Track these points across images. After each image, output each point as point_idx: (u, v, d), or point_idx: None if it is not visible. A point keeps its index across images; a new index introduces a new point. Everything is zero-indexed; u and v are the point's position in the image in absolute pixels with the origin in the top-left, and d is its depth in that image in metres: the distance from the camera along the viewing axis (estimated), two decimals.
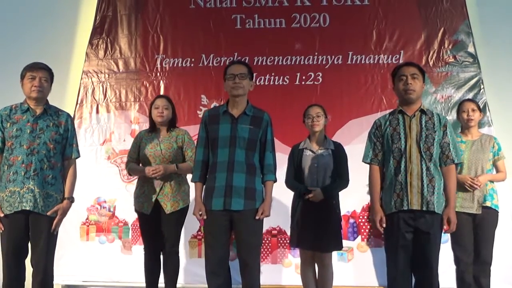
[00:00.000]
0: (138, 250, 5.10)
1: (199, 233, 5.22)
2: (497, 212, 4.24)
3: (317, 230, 3.98)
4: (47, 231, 3.47)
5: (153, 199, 4.09)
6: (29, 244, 3.53)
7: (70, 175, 3.65)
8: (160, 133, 4.27)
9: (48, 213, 3.47)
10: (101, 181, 5.37)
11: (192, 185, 3.77)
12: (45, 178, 3.48)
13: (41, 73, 3.53)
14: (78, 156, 3.74)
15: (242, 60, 5.09)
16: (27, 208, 3.40)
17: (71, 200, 3.65)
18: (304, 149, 4.20)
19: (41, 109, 3.56)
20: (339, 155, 4.15)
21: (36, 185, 3.43)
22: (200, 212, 3.49)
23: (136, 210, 4.23)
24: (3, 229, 3.44)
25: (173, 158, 4.17)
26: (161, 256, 4.22)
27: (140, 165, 4.26)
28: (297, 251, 4.95)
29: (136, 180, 5.05)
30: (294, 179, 4.17)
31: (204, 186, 3.57)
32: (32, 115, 3.52)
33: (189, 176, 3.90)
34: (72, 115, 5.24)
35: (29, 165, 3.44)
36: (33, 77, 3.51)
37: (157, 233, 4.13)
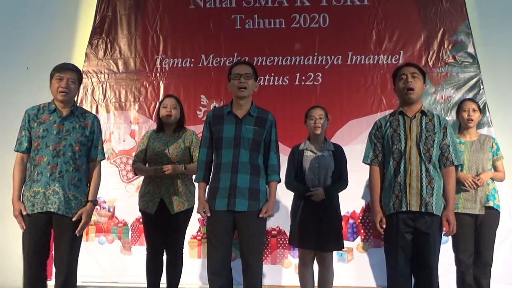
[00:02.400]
0: (138, 251, 5.11)
1: (199, 233, 5.23)
2: (499, 212, 4.24)
3: (318, 230, 3.99)
4: (70, 233, 3.45)
5: (159, 199, 4.08)
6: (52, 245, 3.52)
7: (94, 177, 3.62)
8: (167, 133, 4.26)
9: (74, 219, 3.44)
10: (100, 182, 5.36)
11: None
12: (70, 180, 3.46)
13: (68, 74, 3.50)
14: (103, 158, 3.71)
15: (243, 60, 5.09)
16: (52, 210, 3.39)
17: (95, 203, 3.62)
18: (305, 150, 4.21)
19: (68, 111, 3.53)
20: (339, 157, 4.17)
21: (61, 187, 3.41)
22: (204, 210, 3.48)
23: (140, 209, 4.21)
24: (24, 228, 3.42)
25: (181, 158, 4.16)
26: (164, 256, 4.22)
27: (147, 165, 4.26)
28: (296, 252, 4.96)
29: (136, 180, 5.05)
30: (295, 179, 4.17)
31: (207, 186, 3.57)
32: (59, 116, 3.50)
33: (193, 177, 3.90)
34: None
35: (55, 167, 3.42)
36: (60, 78, 3.48)
37: (160, 233, 4.12)
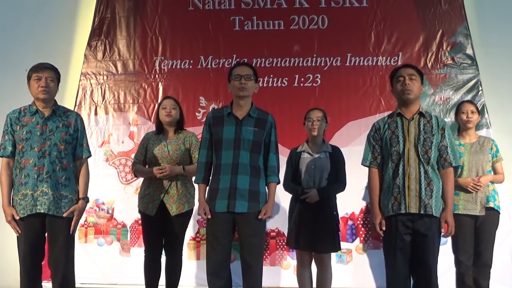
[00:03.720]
0: (137, 252, 5.10)
1: (198, 235, 5.23)
2: (499, 213, 4.24)
3: (314, 231, 4.00)
4: (64, 232, 3.45)
5: (159, 201, 4.07)
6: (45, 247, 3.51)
7: (83, 175, 3.62)
8: (167, 135, 4.25)
9: (64, 215, 3.44)
10: (99, 183, 5.35)
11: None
12: (58, 180, 3.46)
13: (46, 73, 3.49)
14: (89, 156, 3.71)
15: (243, 61, 5.09)
16: (42, 211, 3.38)
17: (86, 200, 3.62)
18: (302, 152, 4.22)
19: (50, 111, 3.53)
20: (336, 158, 4.17)
21: (50, 188, 3.41)
22: (204, 212, 3.47)
23: (140, 211, 4.20)
24: (20, 232, 3.41)
25: (181, 159, 4.15)
26: (162, 258, 4.21)
27: (147, 166, 4.25)
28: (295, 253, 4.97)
29: (135, 182, 5.03)
30: (292, 181, 4.18)
31: (207, 188, 3.57)
32: (41, 117, 3.49)
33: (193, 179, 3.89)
34: None
35: (42, 168, 3.41)
36: (39, 77, 3.47)
37: (160, 234, 4.12)
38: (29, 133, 3.45)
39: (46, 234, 3.50)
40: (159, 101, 5.03)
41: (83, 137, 3.67)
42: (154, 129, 4.44)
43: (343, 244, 4.63)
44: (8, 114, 3.54)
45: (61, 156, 3.49)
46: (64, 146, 3.51)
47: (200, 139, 3.85)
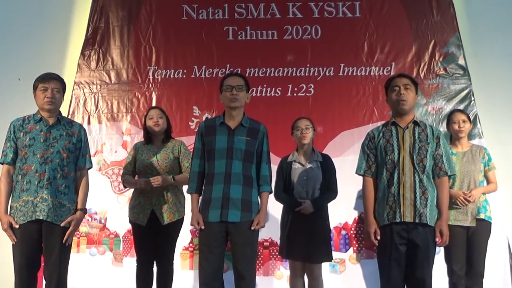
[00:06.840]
0: (129, 262, 5.07)
1: (191, 245, 5.21)
2: (490, 223, 4.24)
3: (307, 241, 4.00)
4: (60, 242, 3.42)
5: (149, 210, 4.07)
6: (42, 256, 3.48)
7: (83, 186, 3.61)
8: (156, 144, 4.26)
9: (62, 224, 3.42)
10: (92, 193, 5.27)
11: (187, 197, 3.76)
12: (58, 187, 3.44)
13: (53, 84, 3.50)
14: (91, 167, 3.71)
15: (235, 71, 5.10)
16: (41, 218, 3.36)
17: (84, 211, 3.61)
18: (293, 162, 4.22)
19: (54, 119, 3.54)
20: (327, 168, 4.18)
21: (50, 194, 3.39)
22: (198, 222, 3.46)
23: (130, 221, 4.20)
24: (16, 240, 3.38)
25: (170, 168, 4.16)
26: (154, 268, 4.19)
27: (136, 176, 4.25)
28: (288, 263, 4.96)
29: (128, 191, 5.02)
30: (284, 192, 4.18)
31: (200, 198, 3.56)
32: (45, 125, 3.50)
33: (185, 187, 3.88)
34: None
35: (43, 174, 3.40)
36: (45, 88, 3.48)
37: (151, 244, 4.11)
38: (32, 139, 3.45)
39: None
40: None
41: (86, 148, 3.67)
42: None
43: (337, 254, 4.63)
44: (12, 121, 3.54)
45: (63, 164, 3.48)
46: (66, 154, 3.50)
47: (190, 148, 3.85)
